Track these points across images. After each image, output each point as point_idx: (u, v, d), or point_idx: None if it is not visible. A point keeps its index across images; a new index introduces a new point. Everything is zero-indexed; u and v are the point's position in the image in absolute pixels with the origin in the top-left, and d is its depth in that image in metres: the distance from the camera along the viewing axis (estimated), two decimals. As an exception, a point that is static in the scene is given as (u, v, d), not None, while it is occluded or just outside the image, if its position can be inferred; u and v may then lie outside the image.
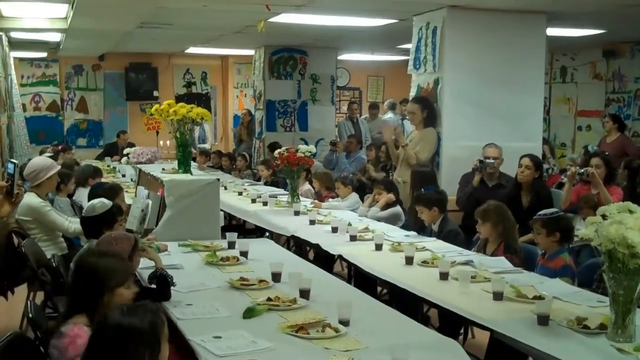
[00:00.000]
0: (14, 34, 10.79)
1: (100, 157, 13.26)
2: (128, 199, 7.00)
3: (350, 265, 5.56)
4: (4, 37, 9.87)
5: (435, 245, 5.52)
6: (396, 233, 6.07)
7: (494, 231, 5.24)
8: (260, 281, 4.29)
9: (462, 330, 5.40)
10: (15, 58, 13.79)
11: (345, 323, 3.46)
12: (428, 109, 7.85)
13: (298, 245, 6.73)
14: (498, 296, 4.00)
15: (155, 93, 15.23)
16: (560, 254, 4.84)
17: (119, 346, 2.51)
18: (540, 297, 3.88)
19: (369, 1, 7.69)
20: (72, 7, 7.82)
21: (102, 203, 4.78)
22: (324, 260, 6.03)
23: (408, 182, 7.50)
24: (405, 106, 10.84)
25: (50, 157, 7.86)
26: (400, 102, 13.40)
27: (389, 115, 13.96)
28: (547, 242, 4.89)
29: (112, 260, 3.25)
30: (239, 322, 3.56)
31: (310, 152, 7.62)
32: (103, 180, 8.32)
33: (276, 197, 7.87)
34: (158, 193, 5.99)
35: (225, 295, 4.08)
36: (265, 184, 9.83)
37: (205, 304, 3.86)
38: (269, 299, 3.83)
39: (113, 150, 13.28)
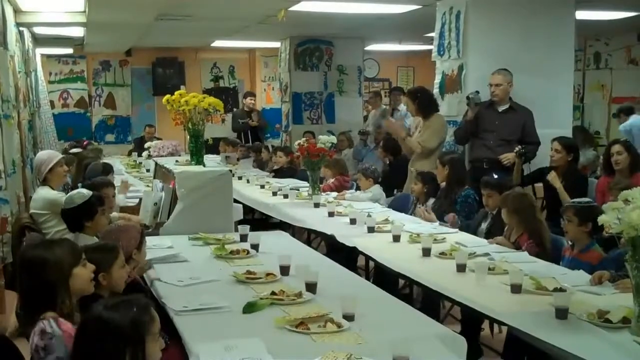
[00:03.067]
0: (37, 30, 10.74)
1: (130, 153, 13.20)
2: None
3: (368, 258, 5.38)
4: (26, 32, 9.81)
5: (456, 237, 5.32)
6: (416, 225, 5.85)
7: (512, 219, 5.02)
8: (268, 274, 4.12)
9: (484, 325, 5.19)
10: (42, 55, 13.80)
11: (349, 318, 3.28)
12: (418, 99, 7.65)
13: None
14: (516, 289, 3.78)
15: (183, 88, 15.07)
16: (592, 247, 4.58)
17: (99, 340, 2.47)
18: (561, 290, 3.67)
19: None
20: (88, -1, 7.74)
21: (81, 194, 4.68)
22: (345, 253, 5.83)
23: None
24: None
25: (70, 153, 7.79)
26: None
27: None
28: (577, 232, 4.61)
29: (57, 247, 3.10)
30: (238, 318, 3.40)
31: (331, 142, 7.43)
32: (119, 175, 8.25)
33: (298, 190, 7.69)
34: (170, 185, 5.86)
35: (228, 290, 3.90)
36: (278, 172, 9.69)
37: (205, 298, 3.66)
38: (273, 293, 3.66)
39: (143, 144, 13.15)
